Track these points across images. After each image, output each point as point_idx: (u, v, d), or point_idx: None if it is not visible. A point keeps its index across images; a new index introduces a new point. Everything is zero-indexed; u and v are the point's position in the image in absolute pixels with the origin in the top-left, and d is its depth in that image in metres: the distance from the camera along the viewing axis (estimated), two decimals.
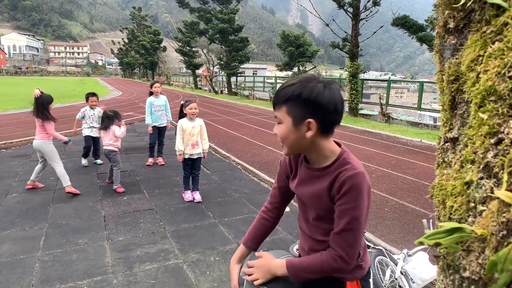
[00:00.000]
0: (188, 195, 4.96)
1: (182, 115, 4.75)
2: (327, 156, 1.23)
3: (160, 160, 6.85)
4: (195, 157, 4.74)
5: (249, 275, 1.31)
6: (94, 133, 6.47)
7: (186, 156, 4.68)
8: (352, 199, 1.14)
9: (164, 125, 6.70)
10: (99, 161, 6.70)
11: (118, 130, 5.20)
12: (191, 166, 4.84)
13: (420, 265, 2.84)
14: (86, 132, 6.45)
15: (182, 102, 4.74)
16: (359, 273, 1.32)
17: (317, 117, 1.14)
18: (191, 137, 4.64)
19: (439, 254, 0.59)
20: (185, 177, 4.89)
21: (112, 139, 5.18)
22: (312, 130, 1.16)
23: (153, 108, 6.55)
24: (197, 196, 4.91)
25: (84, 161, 6.51)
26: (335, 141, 1.27)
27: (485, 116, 0.49)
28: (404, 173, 6.60)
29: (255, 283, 1.28)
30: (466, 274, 0.51)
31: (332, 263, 1.18)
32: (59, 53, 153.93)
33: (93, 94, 6.45)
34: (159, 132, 6.71)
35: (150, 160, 6.79)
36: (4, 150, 7.57)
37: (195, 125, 4.67)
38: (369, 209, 1.20)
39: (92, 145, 6.59)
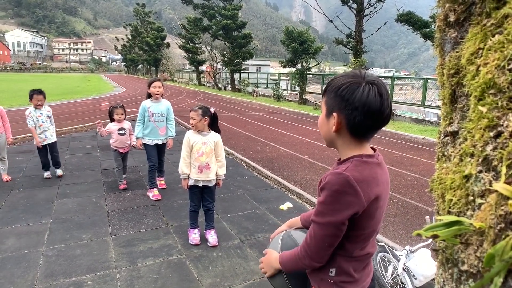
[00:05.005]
0: (194, 236, 3.57)
1: None
2: (344, 157, 1.17)
3: (161, 183, 5.21)
4: (201, 185, 3.42)
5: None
6: (50, 139, 5.42)
7: (191, 183, 3.40)
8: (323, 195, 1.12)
9: (163, 142, 4.89)
10: (59, 172, 5.59)
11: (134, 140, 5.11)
12: (201, 196, 3.53)
13: (423, 262, 2.84)
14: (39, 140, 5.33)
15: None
16: None
17: (343, 113, 1.09)
18: (200, 157, 3.32)
19: (438, 248, 0.59)
20: (191, 210, 3.55)
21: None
22: (335, 125, 1.11)
23: (148, 115, 4.69)
24: (212, 238, 3.55)
25: (46, 174, 5.49)
26: (371, 147, 1.19)
27: (484, 109, 0.49)
28: (407, 170, 6.57)
29: (266, 276, 1.41)
30: (465, 267, 0.51)
31: (299, 254, 1.21)
32: (63, 49, 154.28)
33: (39, 92, 5.26)
34: (158, 149, 4.87)
35: (155, 192, 4.78)
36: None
37: (207, 141, 3.36)
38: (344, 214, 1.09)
39: (49, 157, 5.50)
